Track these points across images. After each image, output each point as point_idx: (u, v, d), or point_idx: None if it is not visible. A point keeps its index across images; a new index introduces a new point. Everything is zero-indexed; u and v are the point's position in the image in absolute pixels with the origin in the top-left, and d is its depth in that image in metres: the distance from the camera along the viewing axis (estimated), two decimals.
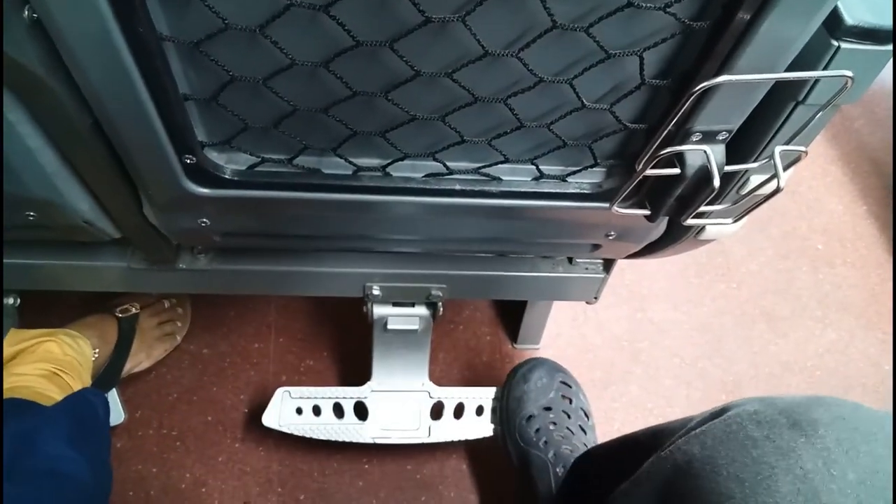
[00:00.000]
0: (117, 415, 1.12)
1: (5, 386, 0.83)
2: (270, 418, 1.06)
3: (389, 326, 1.07)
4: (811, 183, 1.64)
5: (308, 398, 1.08)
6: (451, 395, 1.10)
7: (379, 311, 1.05)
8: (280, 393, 1.07)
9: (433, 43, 0.50)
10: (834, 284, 1.47)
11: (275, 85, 0.53)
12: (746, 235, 1.50)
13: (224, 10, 0.47)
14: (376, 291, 0.95)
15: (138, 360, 1.12)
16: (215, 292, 0.97)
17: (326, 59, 0.50)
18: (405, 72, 0.52)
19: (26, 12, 0.46)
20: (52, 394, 0.84)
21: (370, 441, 1.06)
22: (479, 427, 1.09)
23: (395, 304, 1.05)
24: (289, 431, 1.05)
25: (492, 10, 0.46)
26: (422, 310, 1.07)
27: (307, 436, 1.06)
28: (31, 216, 0.69)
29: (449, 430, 1.08)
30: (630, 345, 1.35)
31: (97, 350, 1.02)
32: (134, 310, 1.12)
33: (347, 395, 1.08)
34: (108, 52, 0.47)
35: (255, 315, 1.30)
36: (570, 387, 1.09)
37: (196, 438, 1.17)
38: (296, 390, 1.08)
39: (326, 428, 1.06)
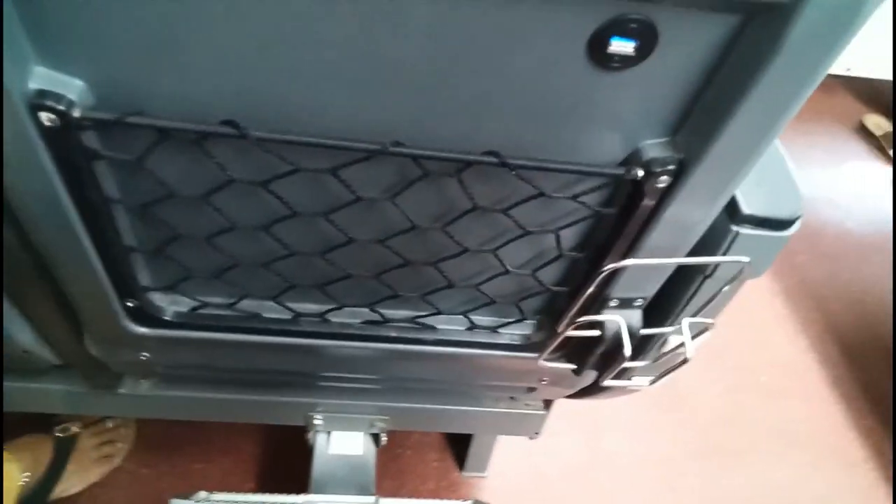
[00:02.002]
0: None
1: None
2: None
3: (331, 450, 1.05)
4: (756, 316, 1.70)
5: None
6: None
7: (322, 436, 1.05)
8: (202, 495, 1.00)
9: (369, 212, 0.54)
10: (783, 418, 1.49)
11: (218, 242, 0.56)
12: (698, 367, 1.53)
13: (171, 177, 0.50)
14: (318, 420, 0.95)
15: (71, 484, 1.08)
16: (158, 417, 0.96)
17: (266, 224, 0.54)
18: (342, 235, 0.55)
19: None
20: None
21: None
22: None
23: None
24: None
25: (421, 190, 0.51)
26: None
27: None
28: None
29: None
30: (585, 476, 1.34)
31: (28, 473, 0.99)
32: (75, 429, 1.10)
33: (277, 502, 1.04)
34: (56, 211, 0.50)
35: (200, 434, 1.27)
36: None
37: None
38: (219, 495, 1.01)
39: None
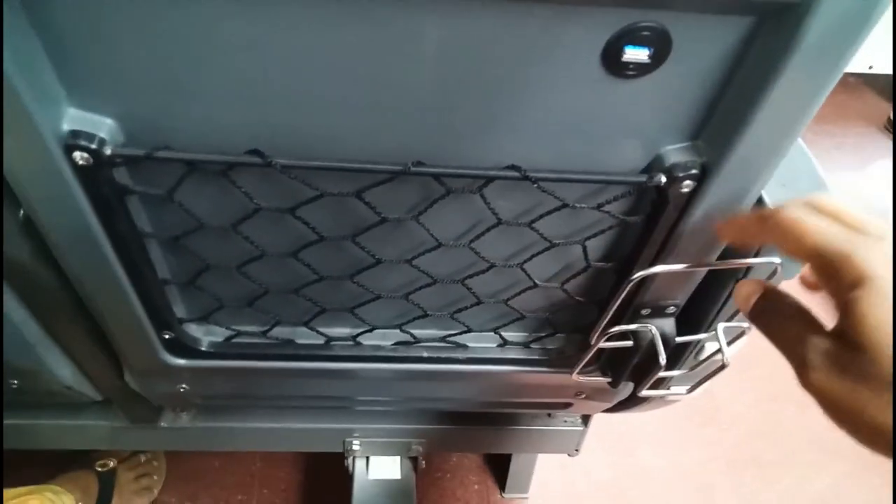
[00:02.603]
0: None
1: None
2: None
3: (371, 475, 1.05)
4: None
5: None
6: None
7: (361, 462, 1.05)
8: None
9: (395, 233, 0.55)
10: (823, 426, 1.44)
11: (248, 270, 0.57)
12: (731, 377, 1.50)
13: (200, 209, 0.51)
14: (356, 446, 0.96)
15: None
16: (198, 449, 0.97)
17: (294, 251, 0.55)
18: (369, 258, 0.56)
19: (21, 213, 0.51)
20: None
21: None
22: None
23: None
24: None
25: (444, 208, 0.51)
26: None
27: None
28: (14, 383, 0.71)
29: None
30: (620, 493, 1.31)
31: None
32: (111, 464, 1.12)
33: None
34: (91, 247, 0.51)
35: (239, 465, 1.29)
36: None
37: None
38: None
39: None
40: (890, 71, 2.02)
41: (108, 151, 0.44)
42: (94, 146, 0.43)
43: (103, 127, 0.44)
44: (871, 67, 2.08)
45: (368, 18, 0.39)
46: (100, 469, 1.10)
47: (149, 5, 0.38)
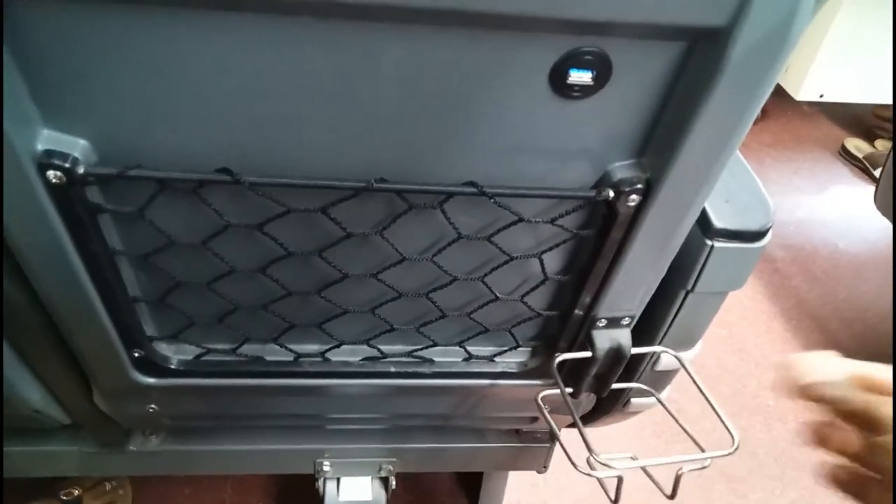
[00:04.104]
0: None
1: None
2: None
3: (342, 498, 1.05)
4: (756, 340, 1.71)
5: None
6: None
7: (332, 484, 1.05)
8: None
9: (361, 248, 0.57)
10: (788, 441, 1.49)
11: (218, 287, 0.58)
12: (698, 394, 1.54)
13: (170, 227, 0.53)
14: (327, 467, 0.96)
15: None
16: (168, 473, 0.97)
17: (263, 266, 0.56)
18: (336, 273, 0.58)
19: None
20: None
21: None
22: None
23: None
24: None
25: (407, 224, 0.54)
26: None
27: None
28: None
29: None
30: None
31: None
32: (76, 492, 1.10)
33: None
34: (63, 265, 0.53)
35: (209, 492, 1.27)
36: None
37: None
38: None
39: None
40: (840, 99, 2.12)
41: (80, 170, 0.46)
42: (67, 165, 0.45)
43: (77, 147, 0.46)
44: (821, 96, 2.17)
45: (330, 42, 0.42)
46: (64, 498, 1.08)
47: (120, 31, 0.40)
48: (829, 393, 0.42)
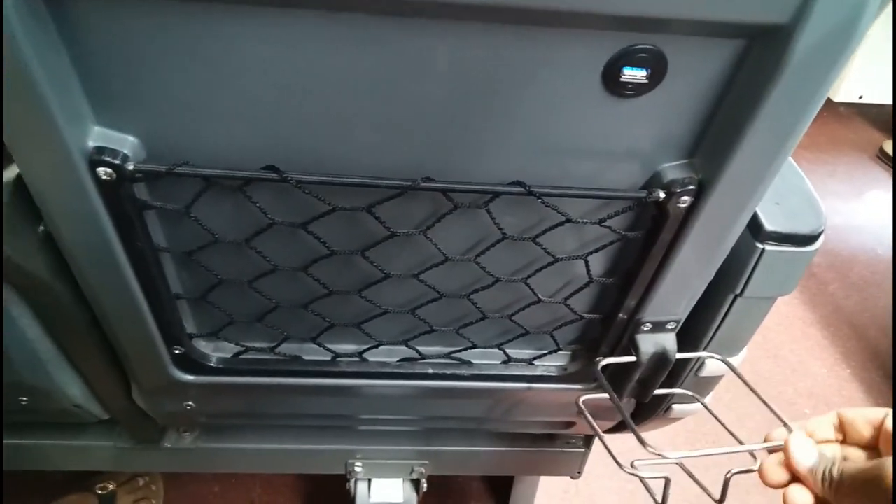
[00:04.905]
0: None
1: None
2: None
3: (372, 499, 1.05)
4: (792, 346, 1.68)
5: None
6: None
7: (363, 485, 1.05)
8: None
9: (402, 247, 0.57)
10: None
11: (259, 285, 0.58)
12: (733, 401, 1.51)
13: (214, 224, 0.53)
14: (358, 468, 0.96)
15: None
16: (200, 471, 0.97)
17: (305, 265, 0.56)
18: (377, 272, 0.57)
19: (41, 228, 0.52)
20: None
21: None
22: None
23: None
24: None
25: (451, 223, 0.53)
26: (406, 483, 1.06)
27: None
28: (24, 401, 0.72)
29: None
30: None
31: None
32: (111, 487, 1.12)
33: None
34: (109, 261, 0.53)
35: (239, 491, 1.28)
36: None
37: None
38: None
39: None
40: (879, 101, 2.07)
41: (130, 167, 0.46)
42: (117, 162, 0.45)
43: (126, 144, 0.46)
44: (860, 98, 2.13)
45: (380, 39, 0.41)
46: (100, 492, 1.10)
47: (173, 29, 0.40)
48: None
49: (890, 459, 0.42)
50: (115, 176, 0.46)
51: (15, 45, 0.38)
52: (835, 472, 0.45)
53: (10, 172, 0.49)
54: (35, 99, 0.41)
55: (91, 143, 0.45)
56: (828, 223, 0.58)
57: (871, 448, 0.48)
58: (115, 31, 0.41)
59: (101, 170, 0.45)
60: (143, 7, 0.39)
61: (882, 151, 2.50)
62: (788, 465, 0.49)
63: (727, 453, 0.56)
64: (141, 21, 0.40)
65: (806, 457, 0.47)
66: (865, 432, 0.48)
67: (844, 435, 0.50)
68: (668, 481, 0.59)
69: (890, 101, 1.99)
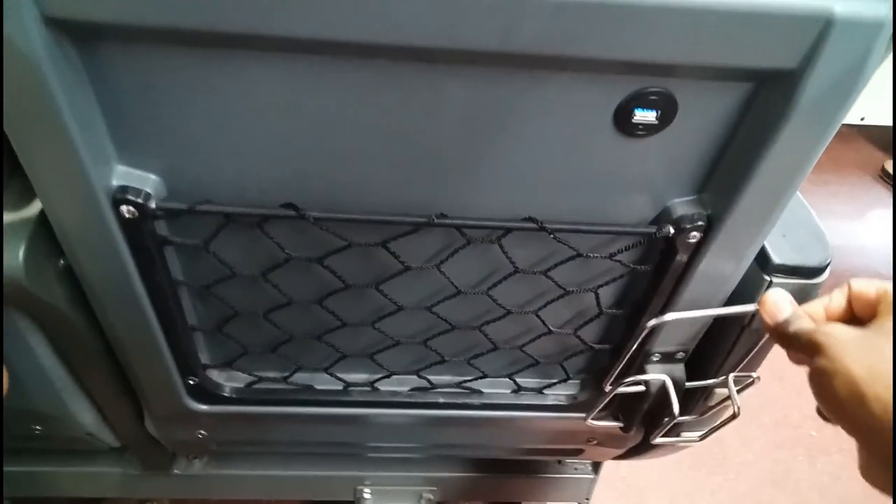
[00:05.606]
0: None
1: None
2: None
3: None
4: (798, 368, 1.67)
5: None
6: None
7: None
8: None
9: (416, 280, 0.57)
10: (832, 475, 1.45)
11: (273, 317, 0.59)
12: (738, 424, 1.50)
13: (231, 258, 0.54)
14: (367, 495, 0.96)
15: None
16: (209, 497, 0.97)
17: (320, 298, 0.57)
18: (391, 304, 0.58)
19: (61, 261, 0.53)
20: None
21: None
22: None
23: None
24: None
25: (464, 257, 0.54)
26: None
27: None
28: (38, 429, 0.72)
29: None
30: None
31: None
32: None
33: None
34: (128, 294, 0.54)
35: None
36: None
37: None
38: None
39: None
40: (881, 122, 2.09)
41: (152, 205, 0.47)
42: (140, 200, 0.46)
43: (148, 182, 0.47)
44: (862, 119, 2.14)
45: (397, 83, 0.43)
46: None
47: (194, 73, 0.42)
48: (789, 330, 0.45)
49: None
50: (137, 214, 0.47)
51: (46, 88, 0.39)
52: (791, 326, 0.45)
53: (33, 208, 0.50)
54: (63, 140, 0.42)
55: (115, 183, 0.46)
56: (830, 243, 0.59)
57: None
58: (140, 75, 0.42)
59: (123, 208, 0.46)
60: (166, 52, 0.41)
61: (884, 171, 2.51)
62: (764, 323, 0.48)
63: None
64: (164, 64, 0.41)
65: (778, 311, 0.47)
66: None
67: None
68: None
69: (892, 123, 2.01)
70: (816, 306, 0.47)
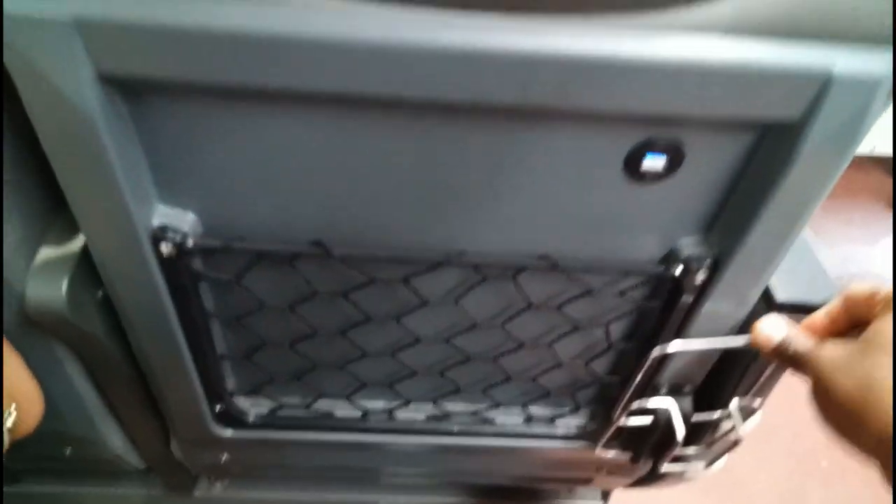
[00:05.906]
0: None
1: None
2: None
3: None
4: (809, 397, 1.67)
5: None
6: None
7: None
8: None
9: (434, 313, 0.60)
10: (845, 501, 1.44)
11: (299, 346, 0.62)
12: (749, 451, 1.51)
13: (261, 290, 0.57)
14: None
15: None
16: None
17: (343, 329, 0.60)
18: (410, 336, 0.61)
19: (100, 293, 0.56)
20: None
21: None
22: None
23: None
24: None
25: (480, 291, 0.56)
26: None
27: None
28: (68, 451, 0.75)
29: None
30: None
31: None
32: None
33: None
34: (163, 325, 0.57)
35: None
36: None
37: None
38: None
39: None
40: (890, 152, 2.10)
41: (190, 243, 0.50)
42: (178, 239, 0.49)
43: (186, 221, 0.51)
44: (873, 149, 2.16)
45: (421, 132, 0.46)
46: None
47: (232, 120, 0.45)
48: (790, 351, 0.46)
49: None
50: (175, 251, 0.50)
51: (98, 140, 0.42)
52: (790, 349, 0.46)
53: (76, 244, 0.54)
54: (110, 184, 0.45)
55: (155, 222, 0.49)
56: (844, 271, 0.61)
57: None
58: (181, 123, 0.45)
59: (163, 246, 0.50)
60: (206, 103, 0.44)
61: None
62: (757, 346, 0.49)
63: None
64: (204, 114, 0.45)
65: (771, 337, 0.47)
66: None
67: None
68: None
69: None
70: (821, 316, 0.48)
